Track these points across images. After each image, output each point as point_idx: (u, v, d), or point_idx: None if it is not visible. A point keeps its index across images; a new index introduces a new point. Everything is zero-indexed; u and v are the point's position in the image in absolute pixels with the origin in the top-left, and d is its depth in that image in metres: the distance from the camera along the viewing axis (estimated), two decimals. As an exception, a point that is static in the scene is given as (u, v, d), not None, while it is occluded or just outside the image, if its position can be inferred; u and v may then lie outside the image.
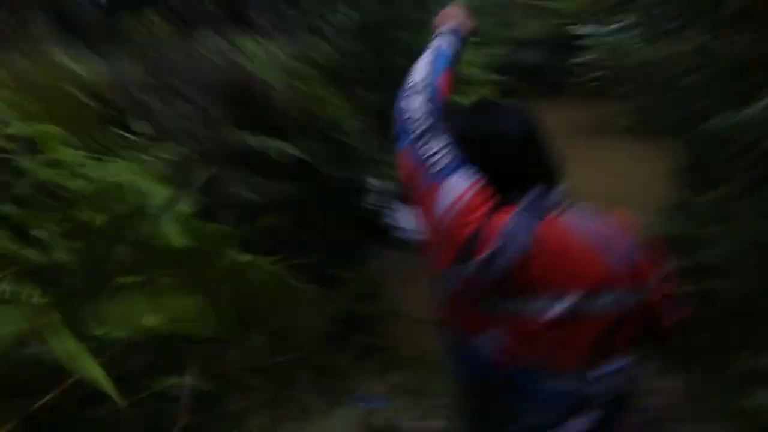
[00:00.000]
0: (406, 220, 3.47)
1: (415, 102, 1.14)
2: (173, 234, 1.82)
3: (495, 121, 1.09)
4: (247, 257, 2.00)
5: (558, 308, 1.02)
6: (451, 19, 1.32)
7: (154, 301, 1.69)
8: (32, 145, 1.94)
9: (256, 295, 2.06)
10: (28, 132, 1.93)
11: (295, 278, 2.19)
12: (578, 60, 3.36)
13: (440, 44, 1.26)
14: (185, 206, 2.05)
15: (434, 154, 1.06)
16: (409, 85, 1.17)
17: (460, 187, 1.03)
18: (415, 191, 1.09)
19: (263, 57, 3.46)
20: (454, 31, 1.29)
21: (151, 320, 1.63)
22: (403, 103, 1.15)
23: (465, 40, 1.32)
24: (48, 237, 1.71)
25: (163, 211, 1.86)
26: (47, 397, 1.49)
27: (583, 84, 3.67)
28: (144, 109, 2.78)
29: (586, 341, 1.05)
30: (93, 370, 1.37)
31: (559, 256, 1.03)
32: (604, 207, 1.11)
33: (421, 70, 1.20)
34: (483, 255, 0.99)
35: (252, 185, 2.80)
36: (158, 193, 1.97)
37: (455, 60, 1.26)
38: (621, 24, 2.85)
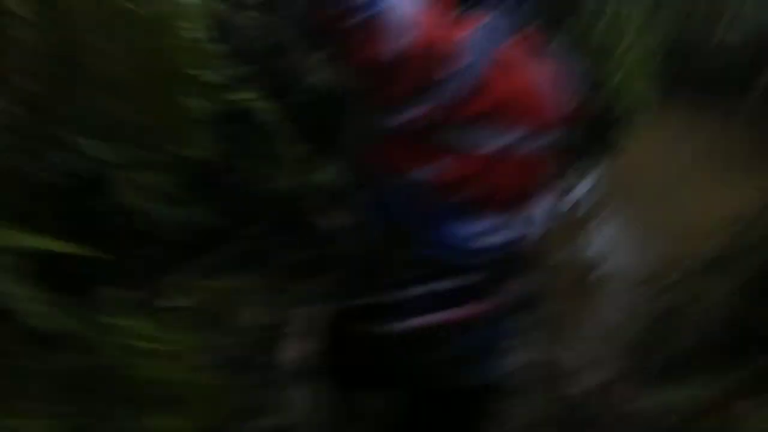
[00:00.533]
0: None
1: None
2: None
3: None
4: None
5: (507, 140, 1.00)
6: None
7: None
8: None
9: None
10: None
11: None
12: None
13: None
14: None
15: None
16: None
17: (406, 8, 0.92)
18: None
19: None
20: None
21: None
22: None
23: None
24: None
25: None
26: None
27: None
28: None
29: (521, 179, 1.05)
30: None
31: (516, 86, 1.01)
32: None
33: None
34: (444, 74, 0.94)
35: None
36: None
37: None
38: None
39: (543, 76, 1.06)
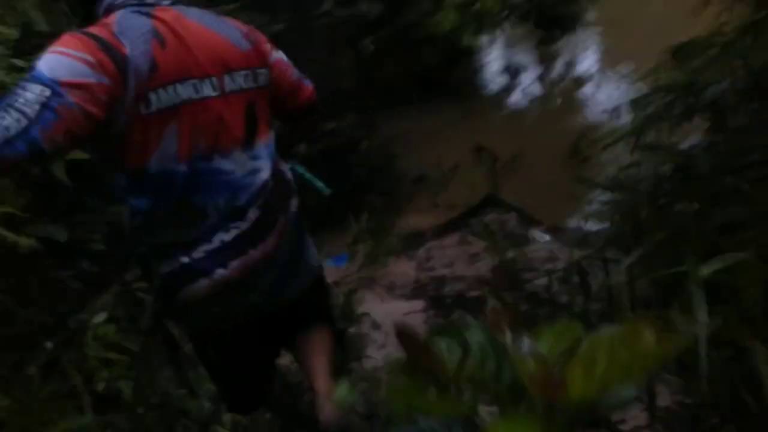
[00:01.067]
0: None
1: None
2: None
3: None
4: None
5: (206, 89, 1.13)
6: None
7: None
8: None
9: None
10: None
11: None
12: None
13: None
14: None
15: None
16: None
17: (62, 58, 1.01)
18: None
19: None
20: None
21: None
22: None
23: None
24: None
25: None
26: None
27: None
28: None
29: (239, 118, 1.19)
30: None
31: (189, 42, 1.12)
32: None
33: None
34: (122, 57, 1.02)
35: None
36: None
37: None
38: None
39: (209, 28, 1.19)
